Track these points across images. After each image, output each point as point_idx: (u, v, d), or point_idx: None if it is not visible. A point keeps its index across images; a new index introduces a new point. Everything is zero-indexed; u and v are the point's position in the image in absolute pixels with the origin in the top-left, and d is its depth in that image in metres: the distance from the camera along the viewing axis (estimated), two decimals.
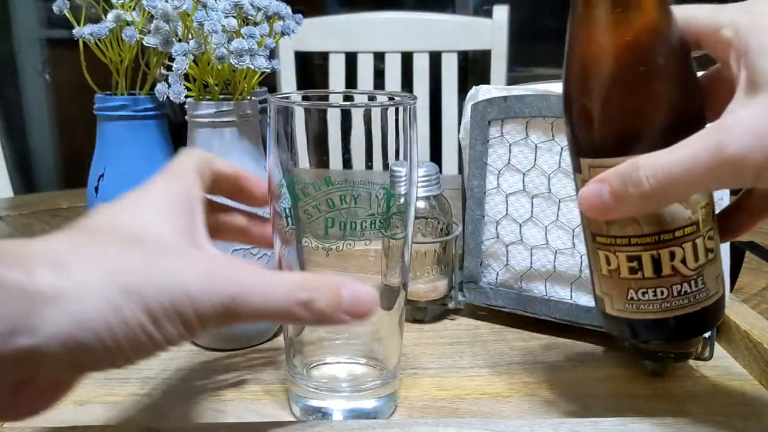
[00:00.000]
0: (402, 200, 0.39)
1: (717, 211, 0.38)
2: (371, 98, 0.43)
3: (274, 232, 0.40)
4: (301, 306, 0.31)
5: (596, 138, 0.35)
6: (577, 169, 0.37)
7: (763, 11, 0.32)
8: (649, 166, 0.32)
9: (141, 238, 0.30)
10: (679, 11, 0.35)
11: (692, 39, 0.35)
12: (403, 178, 0.39)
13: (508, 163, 0.56)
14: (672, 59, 0.34)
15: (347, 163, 0.38)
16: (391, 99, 0.40)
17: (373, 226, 0.38)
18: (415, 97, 0.39)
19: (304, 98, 0.41)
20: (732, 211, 0.39)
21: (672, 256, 0.35)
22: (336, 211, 0.38)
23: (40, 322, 0.26)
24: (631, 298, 0.37)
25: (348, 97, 0.42)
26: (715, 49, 0.35)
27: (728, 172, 0.31)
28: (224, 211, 0.41)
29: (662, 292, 0.36)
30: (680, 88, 0.34)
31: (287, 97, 0.40)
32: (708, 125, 0.32)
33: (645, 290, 0.36)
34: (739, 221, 0.39)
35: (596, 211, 0.34)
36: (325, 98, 0.43)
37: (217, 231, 0.38)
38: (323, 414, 0.42)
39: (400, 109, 0.38)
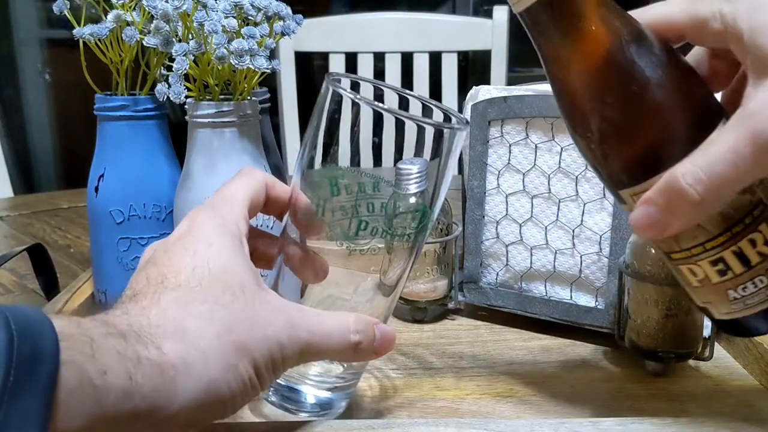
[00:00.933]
0: (413, 200, 0.39)
1: None
2: (446, 118, 0.41)
3: (287, 218, 0.40)
4: (352, 348, 0.35)
5: (626, 169, 0.34)
6: (621, 201, 0.36)
7: None
8: (689, 174, 0.31)
9: (230, 287, 0.32)
10: (649, 13, 0.34)
11: (672, 35, 0.34)
12: (412, 177, 0.39)
13: (508, 163, 0.56)
14: (659, 66, 0.33)
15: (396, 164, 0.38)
16: (447, 119, 0.39)
17: (402, 236, 0.38)
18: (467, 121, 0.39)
19: (357, 84, 0.40)
20: None
21: (753, 243, 0.34)
22: (373, 215, 0.37)
23: (174, 394, 0.28)
24: (734, 298, 0.35)
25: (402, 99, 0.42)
26: (705, 40, 0.34)
27: None
28: (260, 237, 0.41)
29: (762, 281, 0.34)
30: (680, 87, 0.34)
31: (356, 88, 0.39)
32: (732, 117, 0.31)
33: (744, 285, 0.35)
34: None
35: (652, 230, 0.33)
36: (405, 103, 0.42)
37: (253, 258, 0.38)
38: (290, 390, 0.41)
39: (459, 133, 0.38)
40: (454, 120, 0.40)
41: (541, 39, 0.34)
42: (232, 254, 0.34)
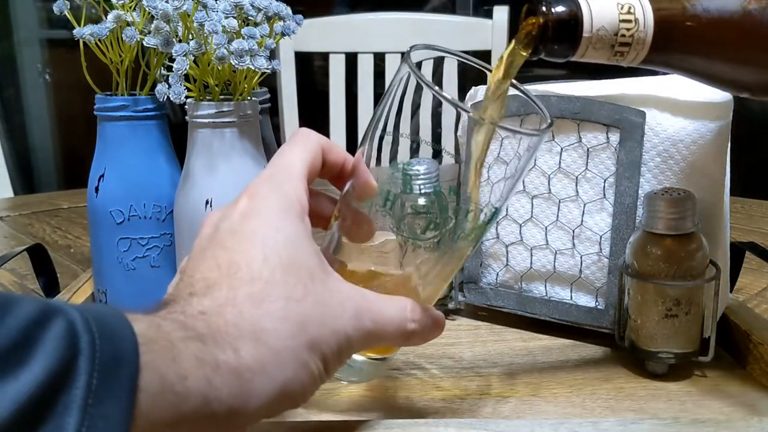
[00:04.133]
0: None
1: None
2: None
3: (349, 186, 0.39)
4: (407, 336, 0.36)
5: None
6: None
7: None
8: None
9: (301, 277, 0.32)
10: None
11: None
12: (419, 178, 0.38)
13: None
14: None
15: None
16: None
17: (467, 237, 0.37)
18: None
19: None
20: None
21: None
22: (443, 217, 0.37)
23: (250, 396, 0.28)
24: None
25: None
26: None
27: None
28: (318, 196, 0.40)
29: None
30: None
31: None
32: None
33: None
34: None
35: None
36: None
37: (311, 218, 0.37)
38: None
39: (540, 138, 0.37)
40: (542, 126, 0.38)
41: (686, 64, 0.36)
42: (300, 239, 0.34)
